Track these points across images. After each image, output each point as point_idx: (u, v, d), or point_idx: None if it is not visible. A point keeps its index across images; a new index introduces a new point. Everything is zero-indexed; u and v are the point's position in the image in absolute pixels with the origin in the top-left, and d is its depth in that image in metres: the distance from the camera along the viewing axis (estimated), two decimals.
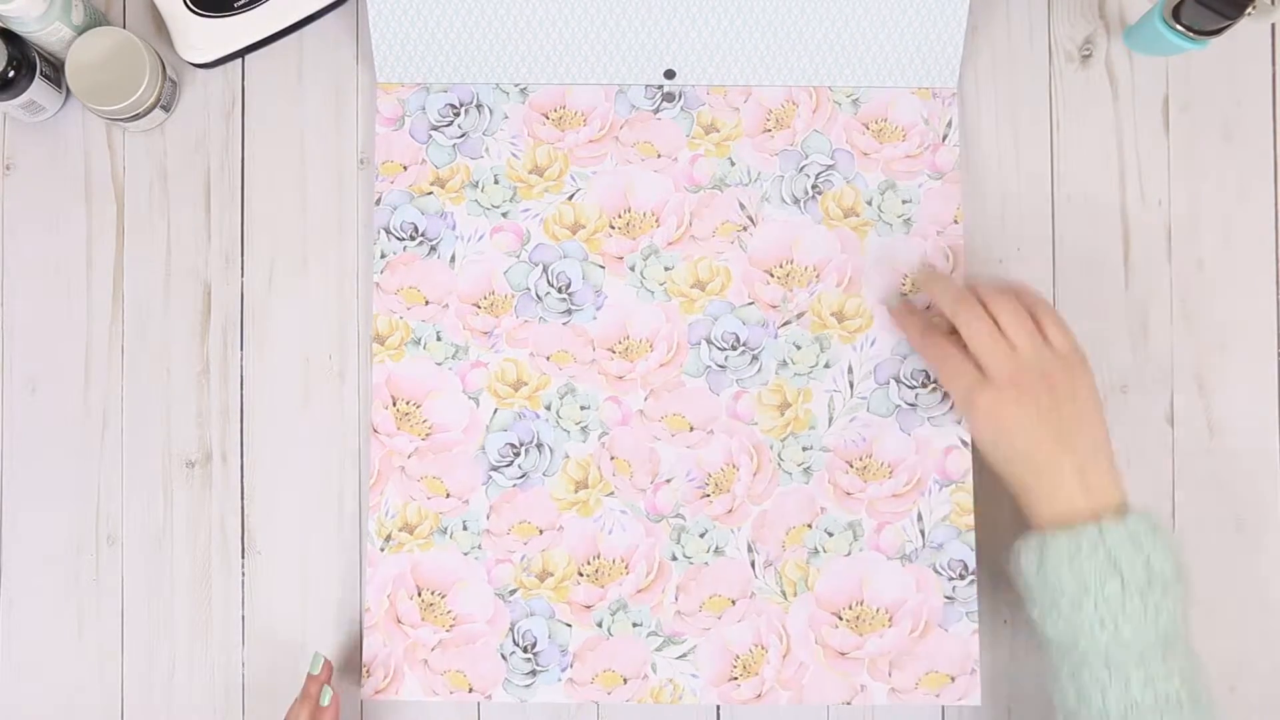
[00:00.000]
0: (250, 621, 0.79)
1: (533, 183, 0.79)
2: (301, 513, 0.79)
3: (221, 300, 0.80)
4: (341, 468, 0.79)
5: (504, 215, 0.79)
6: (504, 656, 0.77)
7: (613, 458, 0.78)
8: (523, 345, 0.78)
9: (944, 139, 0.80)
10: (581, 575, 0.77)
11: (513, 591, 0.77)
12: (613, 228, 0.79)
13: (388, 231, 0.79)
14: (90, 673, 0.79)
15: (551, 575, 0.77)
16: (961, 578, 0.77)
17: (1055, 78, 0.81)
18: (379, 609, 0.77)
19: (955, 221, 0.79)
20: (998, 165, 0.81)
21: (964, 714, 0.78)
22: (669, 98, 0.80)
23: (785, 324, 0.78)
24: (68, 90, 0.77)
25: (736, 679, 0.77)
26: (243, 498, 0.79)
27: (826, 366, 0.78)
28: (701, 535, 0.77)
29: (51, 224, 0.80)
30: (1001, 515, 0.77)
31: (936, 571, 0.77)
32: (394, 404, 0.78)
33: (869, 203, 0.79)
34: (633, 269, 0.79)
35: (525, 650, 0.77)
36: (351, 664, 0.78)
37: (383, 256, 0.79)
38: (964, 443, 0.78)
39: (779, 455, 0.78)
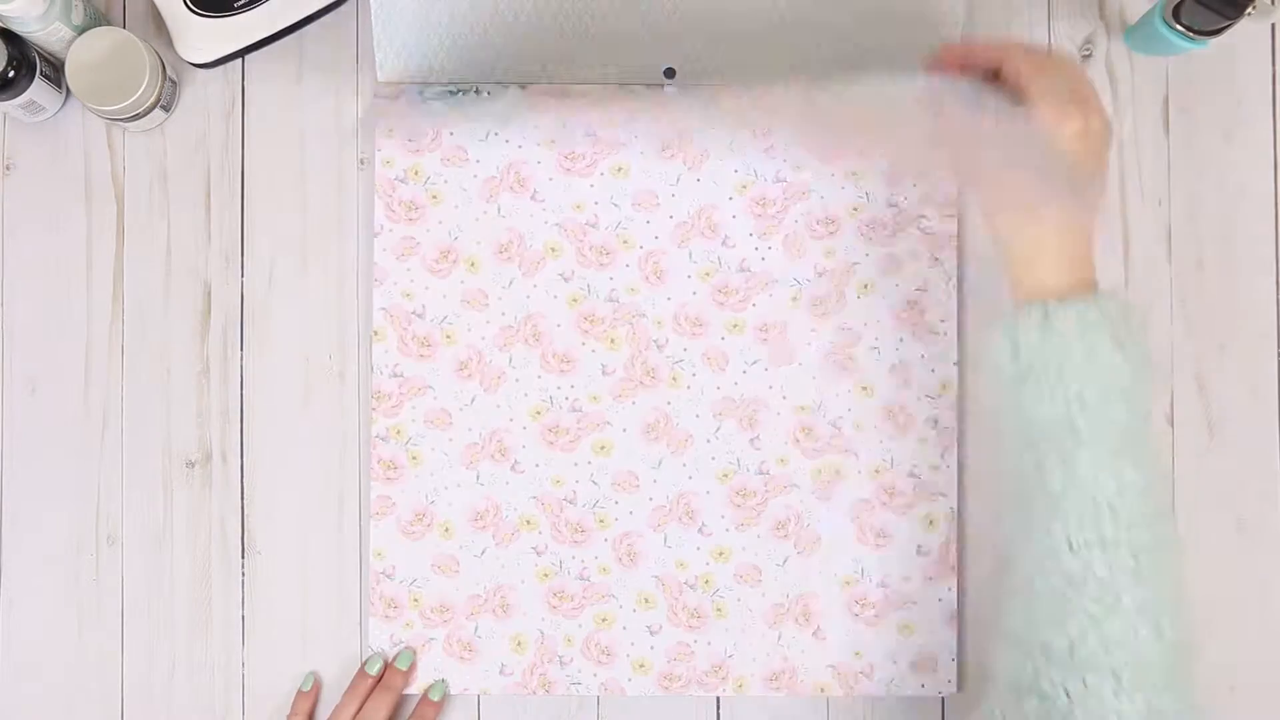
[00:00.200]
0: (250, 621, 0.79)
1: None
2: (301, 513, 0.79)
3: (221, 300, 0.80)
4: (341, 468, 0.79)
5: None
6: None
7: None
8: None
9: None
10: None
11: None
12: None
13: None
14: (90, 673, 0.79)
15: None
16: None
17: None
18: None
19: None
20: None
21: (956, 704, 0.78)
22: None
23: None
24: (68, 90, 0.77)
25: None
26: (243, 498, 0.79)
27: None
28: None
29: (51, 224, 0.80)
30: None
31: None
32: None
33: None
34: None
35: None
36: (352, 663, 0.78)
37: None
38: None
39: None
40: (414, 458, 0.78)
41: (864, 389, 0.78)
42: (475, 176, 0.79)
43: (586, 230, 0.79)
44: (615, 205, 0.79)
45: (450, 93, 0.79)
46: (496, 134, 0.79)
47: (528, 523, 0.78)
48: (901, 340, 0.78)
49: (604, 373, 0.78)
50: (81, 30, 0.76)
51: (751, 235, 0.79)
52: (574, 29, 0.78)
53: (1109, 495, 0.61)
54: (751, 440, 0.78)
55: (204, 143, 0.81)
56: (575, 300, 0.79)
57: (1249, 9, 0.74)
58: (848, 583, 0.78)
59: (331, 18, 0.80)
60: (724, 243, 0.79)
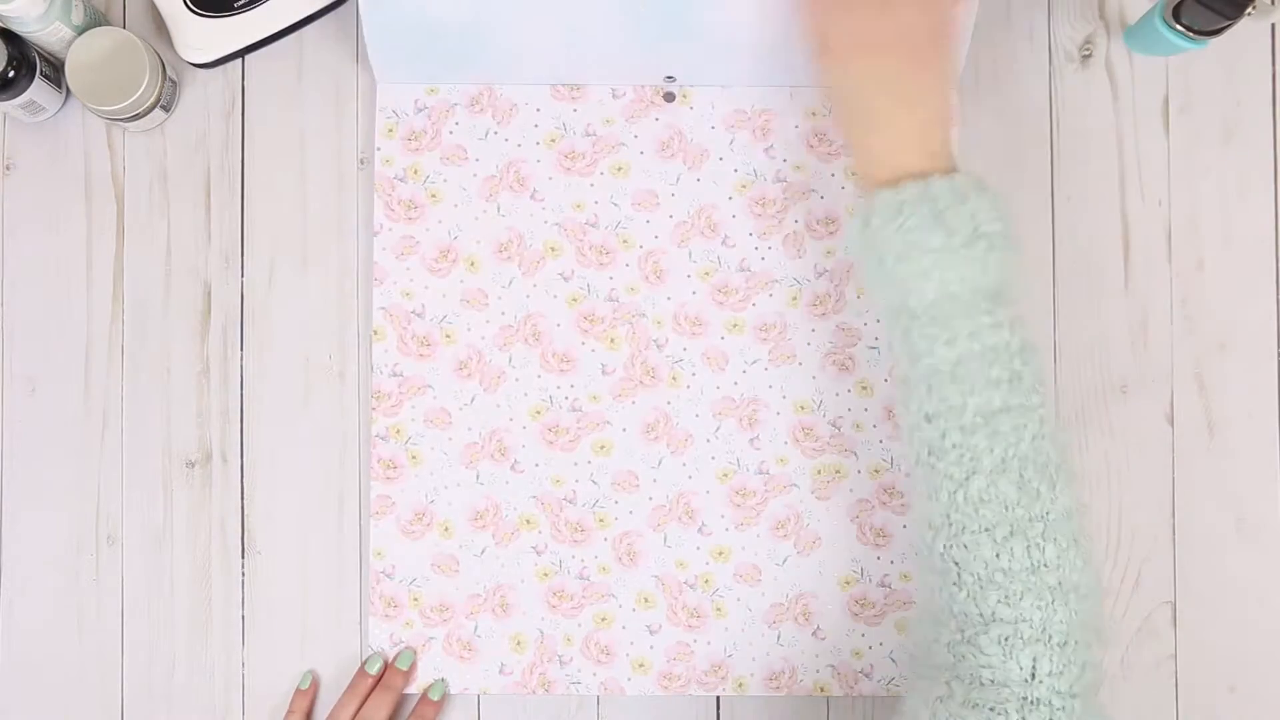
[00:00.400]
0: (250, 621, 0.79)
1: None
2: (301, 512, 0.79)
3: (221, 300, 0.80)
4: (341, 467, 0.79)
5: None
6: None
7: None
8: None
9: None
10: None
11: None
12: None
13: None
14: (90, 673, 0.79)
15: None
16: None
17: (1055, 78, 0.81)
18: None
19: None
20: (998, 165, 0.81)
21: None
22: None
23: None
24: (68, 90, 0.77)
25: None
26: (243, 498, 0.79)
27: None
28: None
29: (51, 224, 0.80)
30: None
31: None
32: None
33: None
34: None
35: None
36: (351, 663, 0.78)
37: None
38: None
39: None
40: (414, 457, 0.78)
41: (864, 389, 0.78)
42: (475, 175, 0.79)
43: (586, 230, 0.79)
44: (615, 205, 0.79)
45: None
46: (496, 133, 0.79)
47: (527, 522, 0.78)
48: None
49: (604, 372, 0.78)
50: (81, 30, 0.76)
51: (751, 235, 0.79)
52: (572, 32, 0.78)
53: (949, 364, 0.63)
54: (751, 440, 0.78)
55: (204, 143, 0.81)
56: (575, 300, 0.79)
57: (1249, 9, 0.74)
58: (847, 583, 0.78)
59: (331, 18, 0.80)
60: (724, 242, 0.79)
